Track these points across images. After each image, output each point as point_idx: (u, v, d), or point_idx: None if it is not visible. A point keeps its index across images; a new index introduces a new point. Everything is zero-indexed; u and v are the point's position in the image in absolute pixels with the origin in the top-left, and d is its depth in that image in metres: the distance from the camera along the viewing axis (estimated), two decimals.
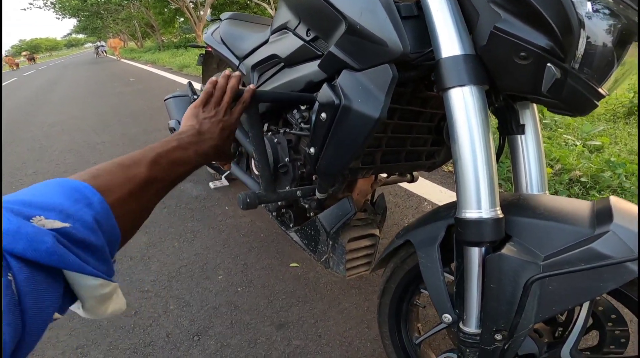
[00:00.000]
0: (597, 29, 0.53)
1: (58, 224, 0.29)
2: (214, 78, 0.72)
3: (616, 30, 0.53)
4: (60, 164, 3.01)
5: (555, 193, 1.91)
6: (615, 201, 0.58)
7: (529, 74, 0.58)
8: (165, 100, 1.85)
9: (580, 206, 0.59)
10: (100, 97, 6.56)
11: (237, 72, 0.73)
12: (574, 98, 0.57)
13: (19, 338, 0.26)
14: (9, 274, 0.26)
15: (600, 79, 0.56)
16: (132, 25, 26.94)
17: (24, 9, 24.91)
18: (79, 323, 1.28)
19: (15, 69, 26.47)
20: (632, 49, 0.57)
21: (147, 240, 1.78)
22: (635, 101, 3.04)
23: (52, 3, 21.74)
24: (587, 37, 0.53)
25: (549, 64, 0.55)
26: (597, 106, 0.59)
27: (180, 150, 0.52)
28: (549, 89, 0.57)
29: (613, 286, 0.52)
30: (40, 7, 22.94)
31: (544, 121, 2.73)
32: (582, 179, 1.93)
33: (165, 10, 21.82)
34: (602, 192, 1.85)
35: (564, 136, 2.49)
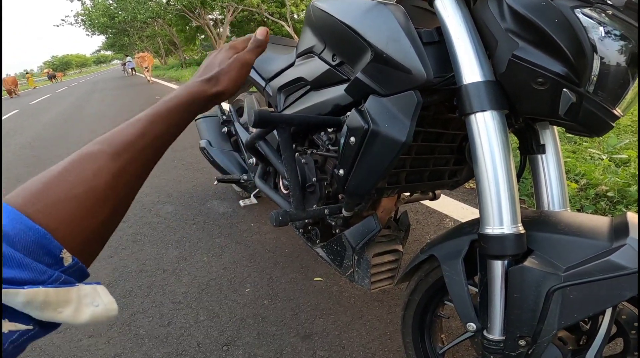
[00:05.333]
0: (610, 52, 0.56)
1: None
2: None
3: (628, 51, 0.56)
4: None
5: (581, 208, 1.89)
6: (631, 216, 0.61)
7: (547, 99, 0.61)
8: (195, 120, 1.94)
9: (599, 222, 0.62)
10: (129, 115, 6.79)
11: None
12: (590, 120, 0.61)
13: None
14: None
15: (614, 101, 0.59)
16: (156, 42, 27.83)
17: (57, 25, 25.86)
18: (117, 332, 1.35)
19: (12, 96, 19.79)
20: None
21: (178, 254, 1.85)
22: None
23: (82, 20, 22.19)
24: (602, 59, 0.56)
25: (564, 89, 0.59)
26: (612, 126, 0.62)
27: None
28: (565, 112, 0.60)
29: (630, 295, 0.54)
30: (71, 24, 23.82)
31: (567, 135, 2.70)
32: (609, 193, 1.90)
33: (187, 28, 22.56)
34: (629, 206, 1.82)
35: (589, 150, 2.45)
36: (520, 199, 2.04)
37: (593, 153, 2.39)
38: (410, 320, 0.94)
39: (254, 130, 1.26)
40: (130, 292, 1.59)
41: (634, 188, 1.89)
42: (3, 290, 0.26)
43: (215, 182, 1.84)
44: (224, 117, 1.83)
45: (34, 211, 0.31)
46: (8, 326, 0.27)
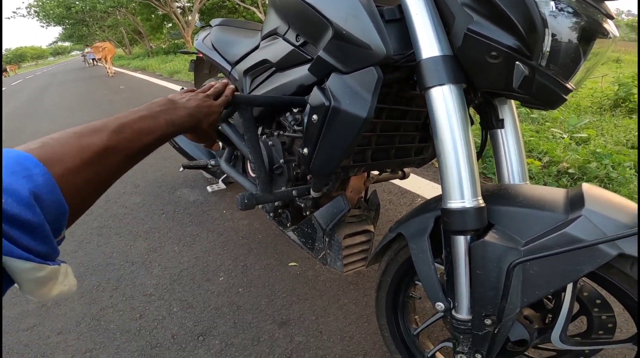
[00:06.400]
0: (561, 27, 0.57)
1: None
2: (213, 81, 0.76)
3: (579, 28, 0.58)
4: None
5: (545, 184, 1.97)
6: (587, 188, 0.62)
7: (501, 72, 0.62)
8: None
9: (556, 194, 0.64)
10: (91, 106, 6.54)
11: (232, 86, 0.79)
12: (543, 93, 0.62)
13: None
14: None
15: (566, 74, 0.61)
16: (119, 32, 26.65)
17: (8, 18, 24.21)
18: (86, 327, 1.31)
19: None
20: (597, 45, 0.61)
21: (148, 245, 1.81)
22: (620, 93, 3.12)
23: (35, 11, 20.87)
24: (553, 35, 0.57)
25: (517, 62, 0.60)
26: (565, 99, 0.63)
27: (149, 119, 0.47)
28: (519, 85, 0.61)
29: (590, 269, 0.54)
30: (23, 16, 22.47)
31: (531, 116, 2.79)
32: (570, 170, 1.98)
33: (153, 16, 21.68)
34: (589, 182, 1.90)
35: (552, 129, 2.54)
36: (487, 177, 2.10)
37: (555, 132, 2.48)
38: (384, 301, 0.94)
39: None
40: (98, 286, 1.54)
41: (594, 164, 1.97)
42: (32, 263, 0.28)
43: (181, 169, 1.79)
44: None
45: (66, 187, 0.32)
46: None
